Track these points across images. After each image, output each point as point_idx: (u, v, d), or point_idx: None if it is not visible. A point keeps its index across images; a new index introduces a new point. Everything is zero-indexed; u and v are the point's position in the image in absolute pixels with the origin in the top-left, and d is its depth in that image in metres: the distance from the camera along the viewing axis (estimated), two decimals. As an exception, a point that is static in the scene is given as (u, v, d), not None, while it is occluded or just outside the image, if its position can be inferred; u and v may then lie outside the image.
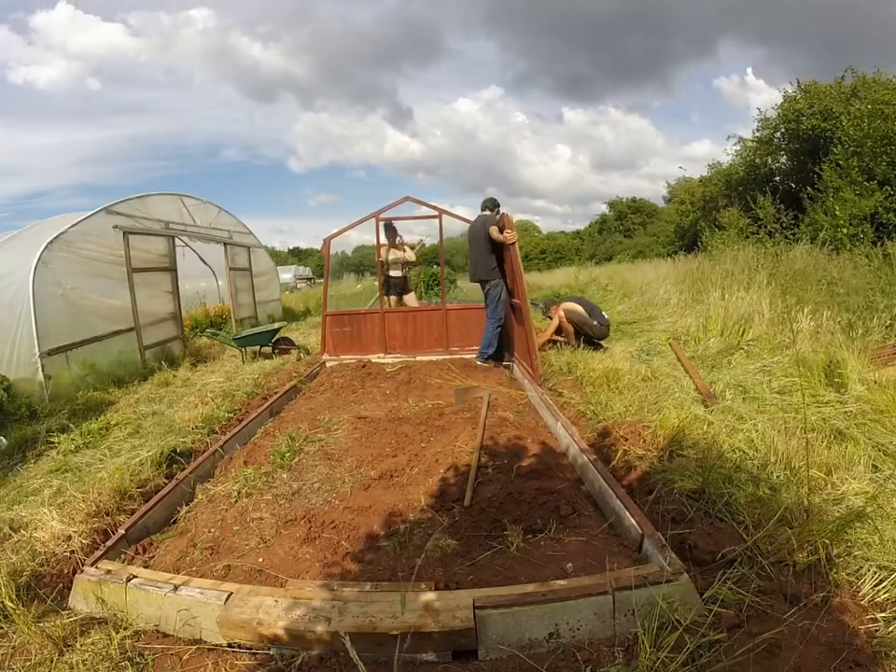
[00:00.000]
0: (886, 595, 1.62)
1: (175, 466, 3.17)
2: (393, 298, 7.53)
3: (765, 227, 11.20)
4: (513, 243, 4.67)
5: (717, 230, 14.51)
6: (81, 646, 1.66)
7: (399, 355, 6.18)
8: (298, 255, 58.05)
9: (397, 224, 7.14)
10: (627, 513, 2.10)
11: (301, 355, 6.86)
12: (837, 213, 10.98)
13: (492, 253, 5.19)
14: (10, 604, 1.78)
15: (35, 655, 1.62)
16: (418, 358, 6.02)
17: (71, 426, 4.00)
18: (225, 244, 8.84)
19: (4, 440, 3.79)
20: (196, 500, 2.69)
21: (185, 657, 1.64)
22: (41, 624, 1.73)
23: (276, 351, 7.05)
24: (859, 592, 1.67)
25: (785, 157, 17.96)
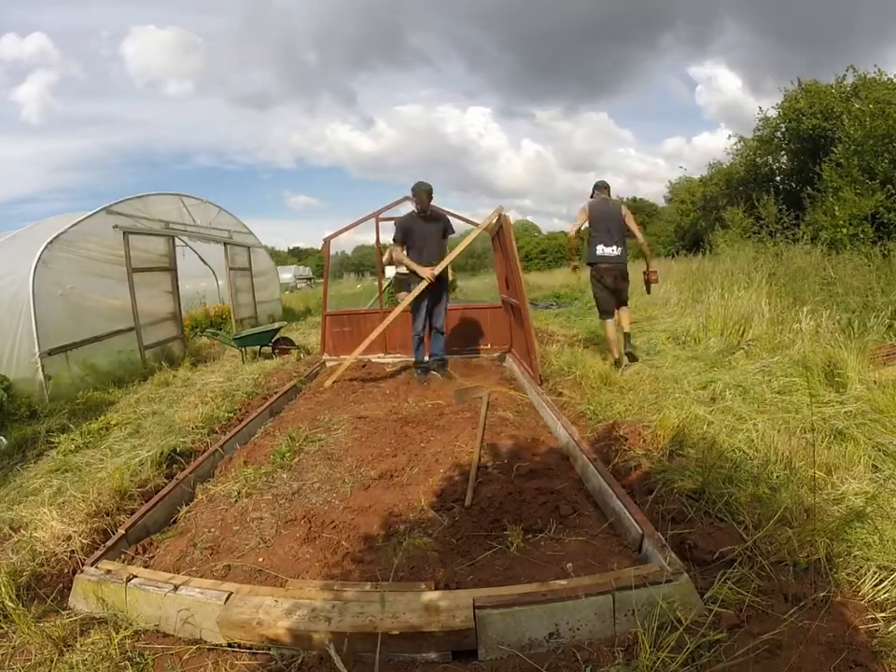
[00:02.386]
0: (886, 595, 1.62)
1: (175, 466, 3.17)
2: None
3: (767, 227, 11.20)
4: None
5: (721, 228, 14.50)
6: (81, 646, 1.65)
7: (398, 355, 6.18)
8: (298, 255, 58.03)
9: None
10: (627, 513, 2.10)
11: (301, 355, 6.86)
12: (837, 213, 10.97)
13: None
14: (10, 604, 1.78)
15: (35, 655, 1.62)
16: (418, 358, 6.02)
17: (71, 426, 4.00)
18: (225, 243, 8.84)
19: (4, 440, 3.80)
20: (196, 500, 2.69)
21: (185, 657, 1.64)
22: (41, 624, 1.73)
23: (276, 351, 7.05)
24: (859, 592, 1.67)
25: (786, 156, 17.96)
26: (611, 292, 4.86)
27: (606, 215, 4.80)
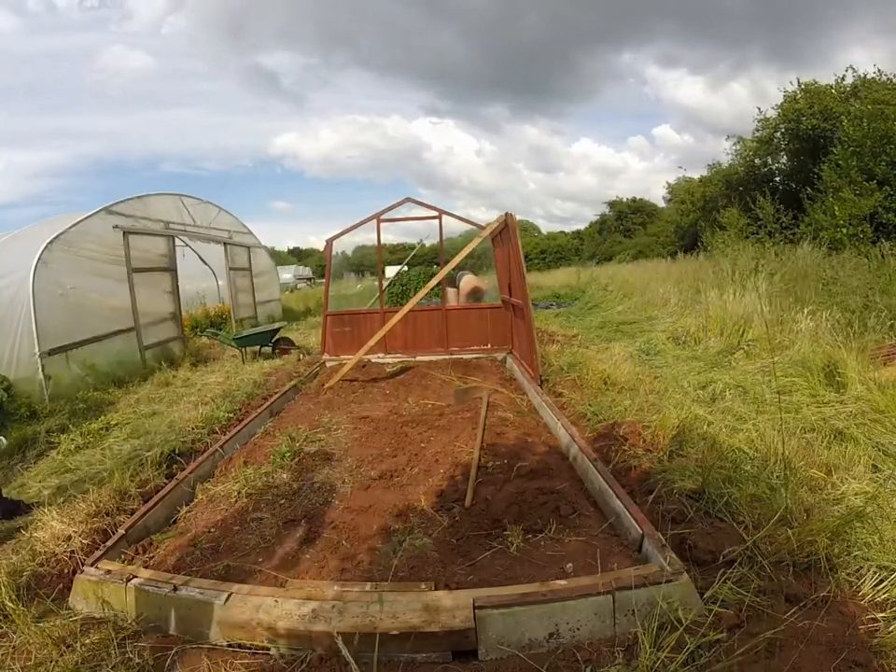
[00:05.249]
0: (886, 595, 1.62)
1: (175, 466, 3.17)
2: None
3: (765, 227, 11.22)
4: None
5: (717, 230, 14.48)
6: (81, 646, 1.65)
7: (399, 355, 6.18)
8: (298, 255, 58.04)
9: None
10: (627, 513, 2.10)
11: (301, 355, 6.86)
12: (836, 213, 10.98)
13: None
14: (10, 604, 1.78)
15: (35, 655, 1.62)
16: (418, 358, 6.02)
17: (71, 426, 4.00)
18: (225, 244, 8.84)
19: (4, 440, 3.79)
20: (196, 500, 2.69)
21: (185, 657, 1.63)
22: (41, 624, 1.73)
23: (276, 351, 7.05)
24: (859, 592, 1.67)
25: (785, 157, 17.97)
26: None
27: None
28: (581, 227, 45.95)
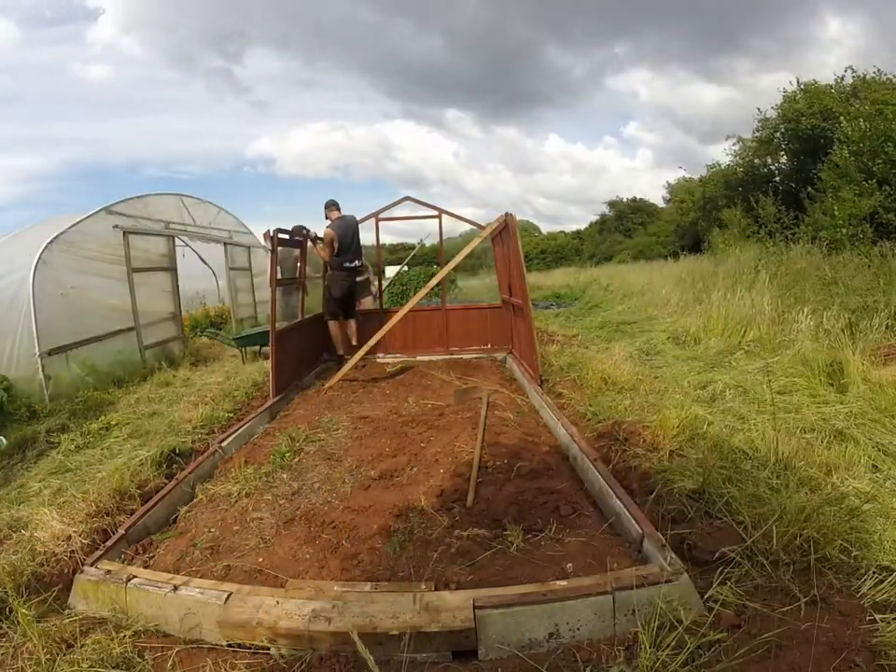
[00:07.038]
0: (885, 596, 1.62)
1: (174, 466, 3.17)
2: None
3: (766, 227, 11.22)
4: None
5: (719, 228, 14.46)
6: (81, 646, 1.65)
7: (399, 355, 6.18)
8: (298, 255, 57.92)
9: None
10: (627, 513, 2.10)
11: (301, 355, 6.85)
12: (836, 213, 10.96)
13: None
14: (11, 604, 1.78)
15: (35, 655, 1.62)
16: (418, 358, 6.02)
17: (71, 426, 4.00)
18: (225, 243, 8.83)
19: (4, 440, 3.79)
20: (196, 500, 2.69)
21: (185, 657, 1.64)
22: (41, 624, 1.73)
23: (276, 351, 7.03)
24: (859, 592, 1.67)
25: (785, 157, 17.95)
26: None
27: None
28: (579, 227, 46.01)
